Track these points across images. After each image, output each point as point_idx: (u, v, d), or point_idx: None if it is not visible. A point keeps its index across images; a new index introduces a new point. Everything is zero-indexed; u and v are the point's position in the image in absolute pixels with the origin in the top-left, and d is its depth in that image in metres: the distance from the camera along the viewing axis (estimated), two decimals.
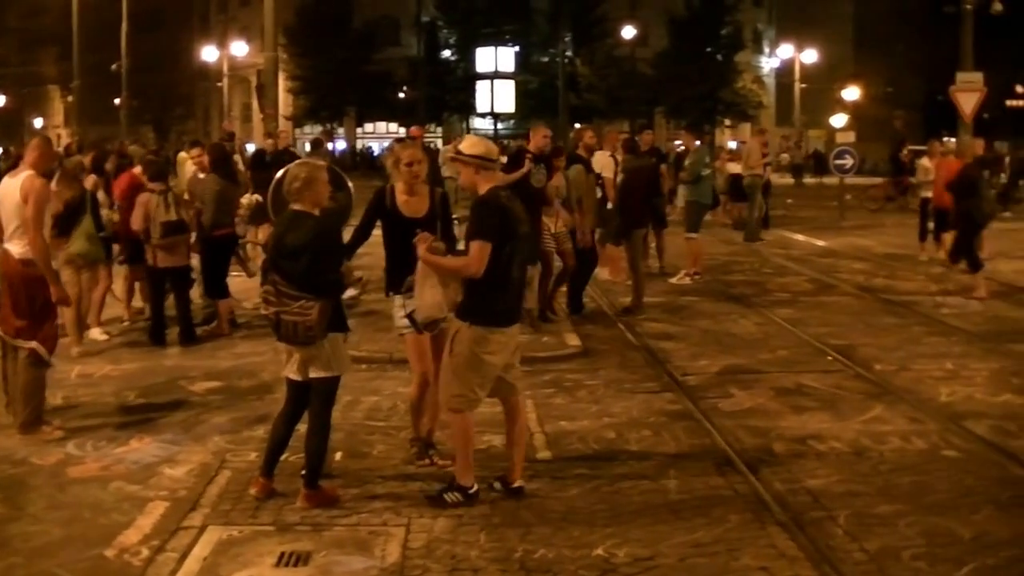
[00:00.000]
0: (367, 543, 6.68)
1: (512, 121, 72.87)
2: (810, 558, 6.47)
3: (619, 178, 15.93)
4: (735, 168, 27.77)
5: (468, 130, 69.43)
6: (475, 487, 7.30)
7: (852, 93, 70.02)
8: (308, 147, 32.48)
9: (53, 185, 10.99)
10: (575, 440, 8.94)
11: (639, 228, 15.27)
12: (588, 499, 7.48)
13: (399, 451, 8.49)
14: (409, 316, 7.87)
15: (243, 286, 14.96)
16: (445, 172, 20.97)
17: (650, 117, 67.50)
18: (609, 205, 15.88)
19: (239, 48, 68.20)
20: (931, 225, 20.65)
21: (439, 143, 50.38)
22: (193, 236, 12.96)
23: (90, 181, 13.10)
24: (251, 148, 29.03)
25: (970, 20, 31.53)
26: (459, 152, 7.38)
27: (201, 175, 13.74)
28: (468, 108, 73.71)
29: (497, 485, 7.50)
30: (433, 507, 7.20)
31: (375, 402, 10.07)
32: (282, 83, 56.73)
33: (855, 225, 29.05)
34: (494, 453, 8.00)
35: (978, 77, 30.14)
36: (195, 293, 13.55)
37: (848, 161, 31.09)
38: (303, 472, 7.35)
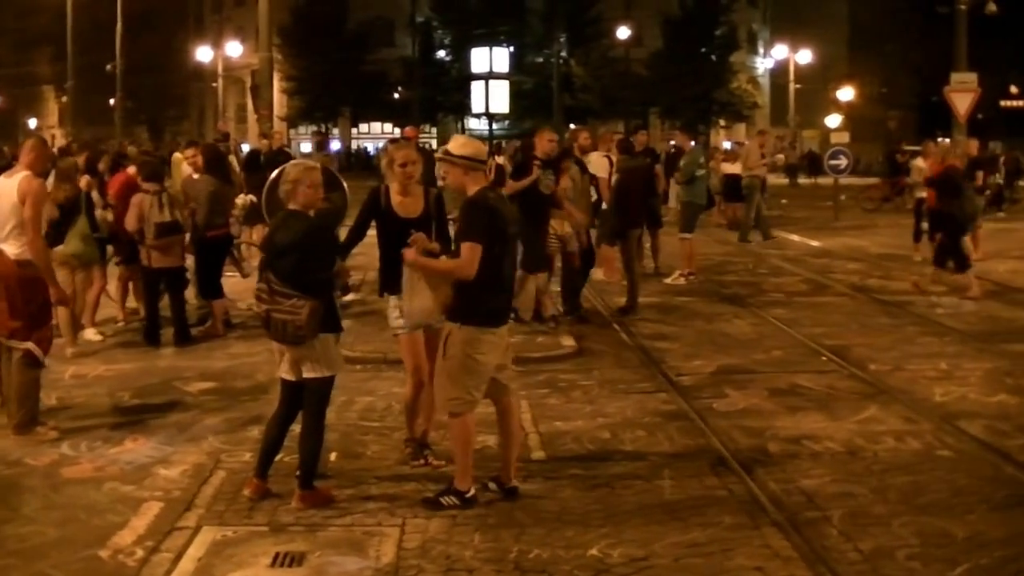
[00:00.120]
0: (362, 543, 6.67)
1: (507, 122, 72.90)
2: (804, 558, 6.47)
3: (614, 179, 15.93)
4: (730, 168, 27.79)
5: (463, 131, 69.46)
6: (472, 491, 7.30)
7: (846, 93, 70.15)
8: (313, 147, 32.45)
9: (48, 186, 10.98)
10: (570, 440, 8.94)
11: (634, 228, 15.27)
12: (583, 499, 7.48)
13: (394, 452, 8.48)
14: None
15: (238, 287, 14.95)
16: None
17: (645, 117, 67.52)
18: (604, 206, 15.89)
19: (234, 49, 68.23)
20: (925, 226, 20.66)
21: (434, 143, 50.36)
22: (187, 237, 12.96)
23: (84, 181, 13.09)
24: (246, 148, 28.98)
25: (964, 20, 31.60)
26: (447, 153, 7.35)
27: (195, 176, 13.73)
28: (463, 108, 73.75)
29: (492, 486, 7.50)
30: (428, 509, 7.20)
31: (370, 402, 10.06)
32: (277, 83, 56.67)
33: (849, 225, 29.09)
34: (489, 454, 8.00)
35: (972, 77, 30.21)
36: (190, 294, 13.55)
37: (842, 161, 31.16)
38: (297, 473, 7.36)
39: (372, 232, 8.30)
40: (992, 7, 36.69)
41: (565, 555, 6.49)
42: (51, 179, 11.92)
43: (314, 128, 69.75)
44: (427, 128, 64.68)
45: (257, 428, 8.83)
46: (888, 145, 63.54)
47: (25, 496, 7.64)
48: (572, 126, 35.95)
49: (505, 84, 72.09)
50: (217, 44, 70.59)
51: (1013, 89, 76.57)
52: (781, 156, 56.37)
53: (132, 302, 14.19)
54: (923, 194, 20.78)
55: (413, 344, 8.06)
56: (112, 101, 56.99)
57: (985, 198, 23.93)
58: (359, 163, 68.04)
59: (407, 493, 7.53)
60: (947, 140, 32.71)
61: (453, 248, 7.44)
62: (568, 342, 12.66)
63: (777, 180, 48.83)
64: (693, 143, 21.19)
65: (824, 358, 12.08)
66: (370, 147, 73.75)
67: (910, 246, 21.28)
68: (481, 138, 62.01)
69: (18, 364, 9.00)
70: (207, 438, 8.99)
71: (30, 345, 8.98)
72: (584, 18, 69.44)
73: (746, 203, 25.08)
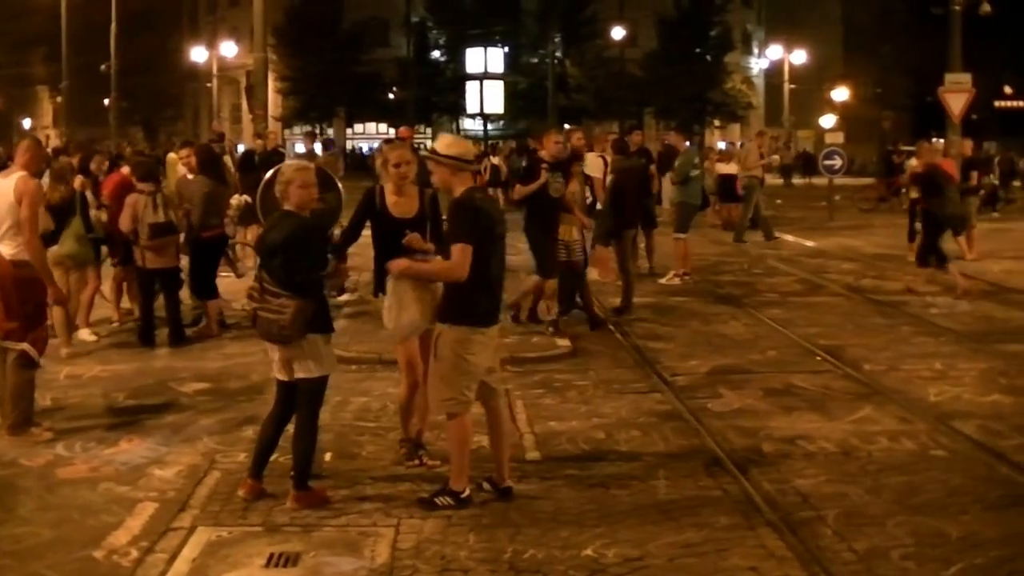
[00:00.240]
0: (356, 544, 6.67)
1: (502, 122, 72.93)
2: (799, 558, 6.48)
3: (609, 179, 15.93)
4: (724, 169, 27.81)
5: (458, 131, 69.47)
6: (467, 492, 7.30)
7: (841, 94, 70.25)
8: (320, 147, 32.35)
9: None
10: (564, 441, 8.95)
11: (629, 229, 15.26)
12: (577, 500, 7.48)
13: (389, 452, 8.48)
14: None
15: (232, 287, 14.93)
16: None
17: (639, 118, 67.50)
18: (599, 206, 15.89)
19: (228, 49, 68.18)
20: (919, 226, 20.67)
21: (428, 144, 50.30)
22: (182, 237, 12.95)
23: (78, 182, 13.08)
24: (242, 148, 28.98)
25: (958, 21, 31.59)
26: (434, 152, 7.33)
27: (190, 176, 13.72)
28: (457, 109, 73.78)
29: (487, 486, 7.50)
30: (423, 509, 7.20)
31: (364, 403, 10.06)
32: (271, 84, 56.64)
33: (844, 226, 29.11)
34: (484, 454, 8.00)
35: (967, 78, 30.21)
36: (185, 294, 13.54)
37: (837, 162, 31.19)
38: (292, 473, 7.35)
39: (366, 232, 8.31)
40: (986, 8, 36.73)
41: (560, 555, 6.49)
42: (45, 179, 11.91)
43: (307, 128, 69.60)
44: (422, 128, 64.57)
45: (252, 428, 8.83)
46: (882, 145, 63.69)
47: (20, 497, 7.64)
48: (567, 126, 35.92)
49: (500, 84, 72.17)
50: (212, 44, 70.53)
51: (1007, 89, 76.69)
52: (776, 157, 56.45)
53: (127, 302, 14.18)
54: (916, 194, 20.82)
55: (408, 345, 8.05)
56: (107, 101, 57.03)
57: (979, 198, 23.95)
58: (354, 163, 67.98)
59: (402, 493, 7.53)
60: (941, 140, 32.77)
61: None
62: (563, 342, 12.66)
63: (772, 180, 48.77)
64: (688, 143, 21.20)
65: (819, 358, 12.09)
66: (365, 147, 73.69)
67: (905, 246, 21.27)
68: (476, 138, 62.09)
69: (13, 365, 8.99)
70: (202, 438, 8.99)
71: (26, 346, 8.97)
72: (579, 18, 69.44)
73: (744, 203, 25.10)
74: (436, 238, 8.00)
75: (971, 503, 7.44)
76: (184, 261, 13.24)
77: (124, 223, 12.51)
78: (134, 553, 6.57)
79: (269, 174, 8.74)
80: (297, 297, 7.08)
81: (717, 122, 74.25)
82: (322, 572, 6.29)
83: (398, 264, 7.43)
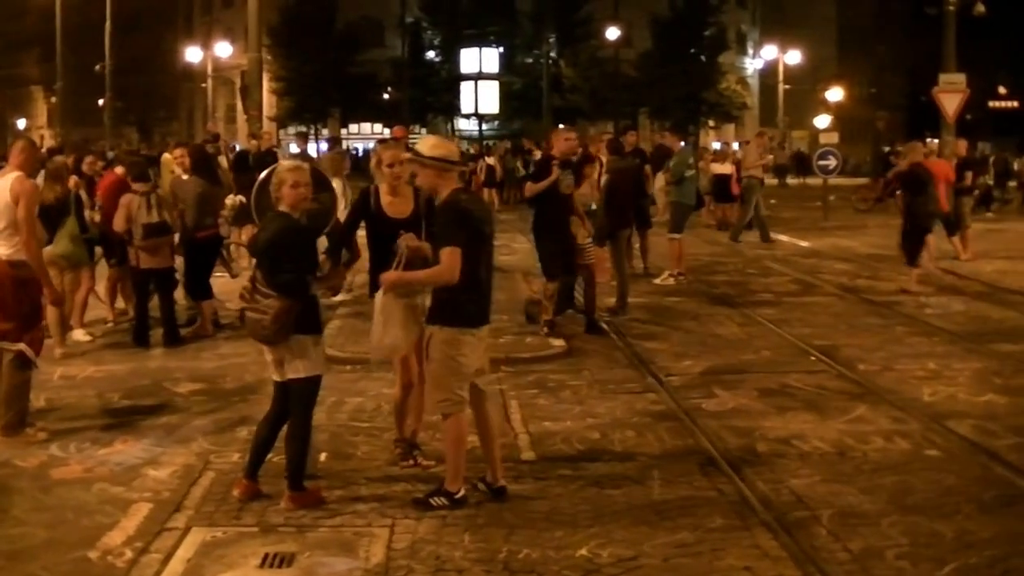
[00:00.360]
0: (351, 544, 6.67)
1: (496, 122, 72.90)
2: (794, 558, 6.48)
3: (603, 179, 15.92)
4: (719, 169, 27.84)
5: (453, 131, 69.45)
6: (462, 492, 7.30)
7: (835, 94, 70.27)
8: (326, 145, 32.25)
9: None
10: (559, 441, 8.95)
11: (624, 229, 15.25)
12: (572, 500, 7.48)
13: (383, 452, 8.48)
14: None
15: (227, 287, 14.91)
16: None
17: (634, 118, 67.53)
18: (593, 206, 15.87)
19: (223, 49, 68.07)
20: None
21: None
22: (176, 237, 12.95)
23: (72, 181, 13.07)
24: (237, 148, 28.95)
25: (953, 21, 31.69)
26: (417, 154, 7.28)
27: (184, 176, 13.72)
28: (452, 109, 73.69)
29: (481, 486, 7.50)
30: (418, 509, 7.20)
31: (359, 403, 10.06)
32: (266, 84, 56.61)
33: (838, 226, 29.14)
34: (478, 455, 7.99)
35: (961, 78, 30.28)
36: (179, 294, 13.53)
37: (831, 162, 31.24)
38: (286, 474, 7.35)
39: (360, 232, 8.31)
40: (980, 8, 36.77)
41: (554, 555, 6.49)
42: (40, 179, 11.90)
43: (302, 129, 69.51)
44: (417, 129, 64.53)
45: (246, 429, 8.83)
46: (877, 145, 63.71)
47: (14, 498, 7.63)
48: (561, 126, 35.93)
49: (495, 85, 72.08)
50: (206, 45, 70.35)
51: (1002, 90, 76.84)
52: (771, 157, 56.51)
53: (121, 303, 14.17)
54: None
55: None
56: (101, 102, 56.98)
57: (974, 198, 24.00)
58: (349, 163, 67.78)
59: (397, 494, 7.53)
60: (935, 140, 32.83)
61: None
62: (557, 342, 12.66)
63: (766, 180, 48.89)
64: (683, 144, 21.21)
65: (813, 358, 12.10)
66: (360, 148, 73.62)
67: (899, 247, 21.28)
68: (471, 139, 62.01)
69: (9, 366, 8.99)
70: (196, 439, 8.98)
71: (22, 346, 8.96)
72: (573, 19, 69.37)
73: (744, 203, 25.09)
74: (431, 238, 7.98)
75: (965, 503, 7.44)
76: (179, 261, 13.23)
77: (118, 223, 12.51)
78: (128, 554, 6.57)
79: (264, 174, 8.70)
80: (283, 297, 7.07)
81: (712, 122, 74.19)
82: (317, 572, 6.29)
83: (389, 277, 7.39)
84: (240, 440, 8.74)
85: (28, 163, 9.29)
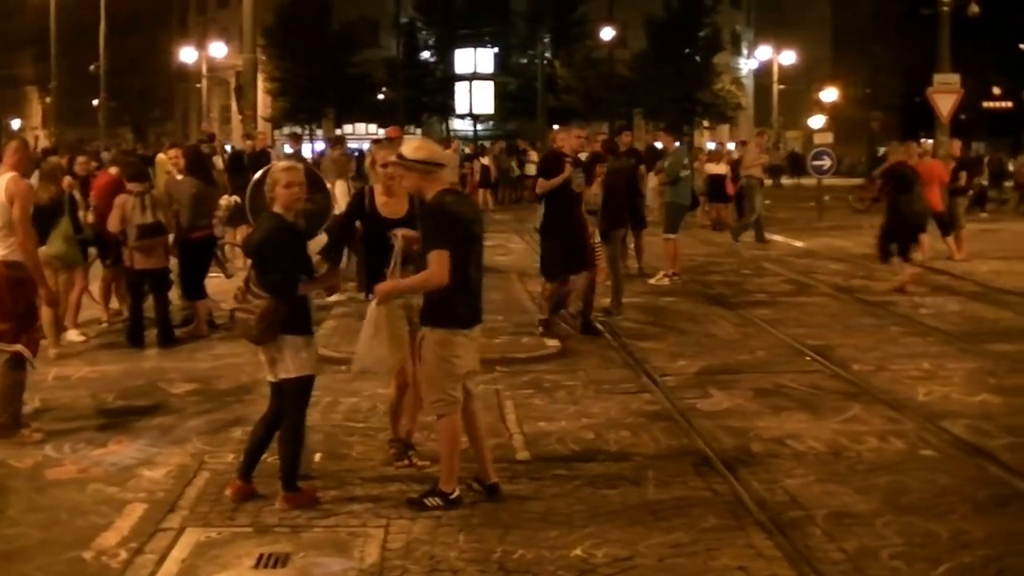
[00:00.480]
0: (346, 544, 6.67)
1: (491, 123, 72.92)
2: (788, 558, 6.48)
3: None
4: (714, 169, 27.85)
5: (448, 131, 69.40)
6: (456, 492, 7.29)
7: (830, 94, 70.23)
8: (322, 145, 32.24)
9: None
10: (554, 441, 8.95)
11: (619, 229, 15.25)
12: (567, 500, 7.49)
13: (378, 452, 8.48)
14: None
15: (221, 287, 14.89)
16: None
17: (629, 119, 67.50)
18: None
19: (218, 50, 67.98)
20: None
21: None
22: (171, 238, 12.93)
23: (65, 182, 13.06)
24: (229, 149, 28.95)
25: (947, 22, 31.70)
26: (401, 157, 7.26)
27: (178, 176, 13.71)
28: (447, 109, 73.68)
29: (475, 485, 7.51)
30: (413, 510, 7.20)
31: (354, 403, 10.05)
32: (261, 84, 56.52)
33: (833, 226, 29.15)
34: (472, 455, 8.00)
35: (955, 79, 30.31)
36: (174, 295, 13.52)
37: (826, 162, 31.23)
38: (280, 474, 7.35)
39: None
40: (975, 8, 36.85)
41: (549, 555, 6.49)
42: (34, 180, 11.89)
43: (296, 129, 69.48)
44: (412, 129, 64.49)
45: (240, 429, 8.83)
46: (871, 146, 63.73)
47: (9, 498, 7.62)
48: (555, 127, 35.90)
49: (489, 85, 72.14)
50: (201, 45, 70.31)
51: (996, 90, 76.79)
52: (765, 157, 56.53)
53: (115, 303, 14.16)
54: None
55: None
56: (96, 102, 56.89)
57: (968, 198, 24.00)
58: (354, 165, 67.71)
59: (391, 494, 7.53)
60: (929, 141, 32.85)
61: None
62: (552, 343, 12.67)
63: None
64: (677, 144, 21.22)
65: (808, 358, 12.11)
66: (354, 148, 73.58)
67: (894, 247, 21.28)
68: (466, 139, 62.01)
69: (4, 366, 8.98)
70: (191, 439, 8.98)
71: (20, 347, 8.95)
72: (568, 19, 69.35)
73: (747, 203, 25.08)
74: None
75: (960, 502, 7.45)
76: (174, 262, 13.22)
77: (113, 224, 12.50)
78: (123, 554, 6.56)
79: (258, 175, 8.71)
80: (272, 298, 7.07)
81: (706, 123, 74.27)
82: (311, 573, 6.29)
83: (383, 288, 7.36)
84: (235, 440, 8.74)
85: (22, 163, 9.29)
